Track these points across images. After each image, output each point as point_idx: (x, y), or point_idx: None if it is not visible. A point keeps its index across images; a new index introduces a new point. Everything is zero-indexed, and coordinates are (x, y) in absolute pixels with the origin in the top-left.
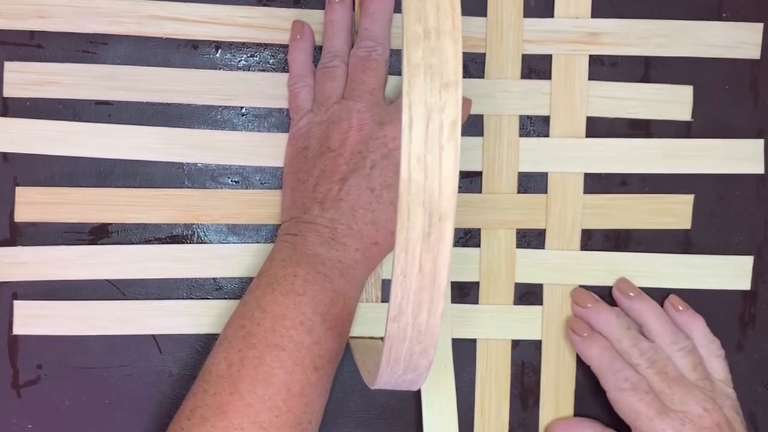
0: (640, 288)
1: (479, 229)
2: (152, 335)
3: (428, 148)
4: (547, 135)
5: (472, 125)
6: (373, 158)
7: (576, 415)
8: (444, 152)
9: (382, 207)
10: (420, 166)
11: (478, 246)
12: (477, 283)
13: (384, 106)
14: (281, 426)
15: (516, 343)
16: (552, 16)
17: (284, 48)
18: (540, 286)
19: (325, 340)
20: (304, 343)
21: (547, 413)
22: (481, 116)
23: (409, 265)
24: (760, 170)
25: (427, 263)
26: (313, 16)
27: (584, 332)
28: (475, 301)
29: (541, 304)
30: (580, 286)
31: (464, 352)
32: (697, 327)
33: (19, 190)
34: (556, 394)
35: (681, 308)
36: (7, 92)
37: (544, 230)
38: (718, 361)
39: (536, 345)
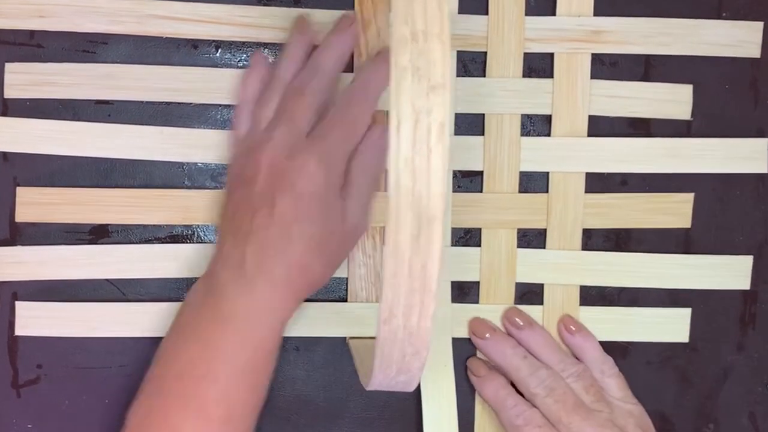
0: (637, 288)
1: (479, 229)
2: (152, 335)
3: (416, 151)
4: (548, 134)
5: (473, 124)
6: (282, 192)
7: None
8: (432, 155)
9: (292, 241)
10: (408, 168)
11: (479, 246)
12: (477, 283)
13: (303, 139)
14: None
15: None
16: (554, 14)
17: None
18: (540, 286)
19: (236, 391)
20: (210, 395)
21: None
22: (482, 115)
23: (398, 267)
24: (764, 169)
25: (416, 266)
26: (312, 15)
27: (481, 372)
28: (476, 301)
29: (542, 304)
30: (581, 286)
31: (465, 351)
32: (589, 348)
33: (19, 190)
34: None
35: (573, 328)
36: (8, 93)
37: (545, 230)
38: (613, 380)
39: None
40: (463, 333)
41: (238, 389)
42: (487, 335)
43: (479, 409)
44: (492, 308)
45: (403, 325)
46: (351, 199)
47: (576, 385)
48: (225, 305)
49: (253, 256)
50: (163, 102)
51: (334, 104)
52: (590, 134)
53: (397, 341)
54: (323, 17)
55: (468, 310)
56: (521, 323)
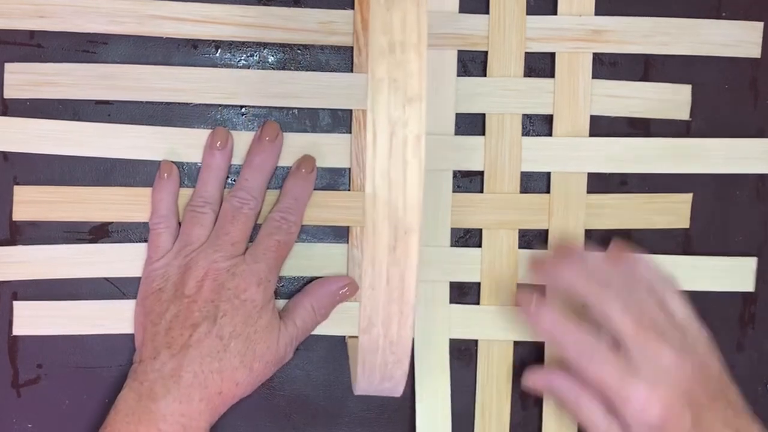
0: None
1: (479, 229)
2: None
3: (392, 164)
4: (549, 134)
5: (474, 124)
6: (224, 308)
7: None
8: (408, 167)
9: (229, 356)
10: (384, 180)
11: (478, 246)
12: (477, 284)
13: (241, 258)
14: None
15: (517, 343)
16: (555, 13)
17: (284, 47)
18: (544, 288)
19: None
20: None
21: (548, 413)
22: (483, 115)
23: (376, 278)
24: (762, 170)
25: (394, 276)
26: (312, 15)
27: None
28: (476, 302)
29: None
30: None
31: (465, 352)
32: (643, 267)
33: (18, 189)
34: None
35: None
36: (8, 94)
37: (546, 230)
38: (675, 300)
39: (538, 345)
40: (464, 334)
41: None
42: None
43: (480, 410)
44: (493, 309)
45: (383, 334)
46: (289, 328)
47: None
48: (160, 410)
49: (190, 369)
50: (162, 102)
51: (266, 222)
52: (591, 134)
53: (378, 350)
54: (323, 17)
55: (467, 311)
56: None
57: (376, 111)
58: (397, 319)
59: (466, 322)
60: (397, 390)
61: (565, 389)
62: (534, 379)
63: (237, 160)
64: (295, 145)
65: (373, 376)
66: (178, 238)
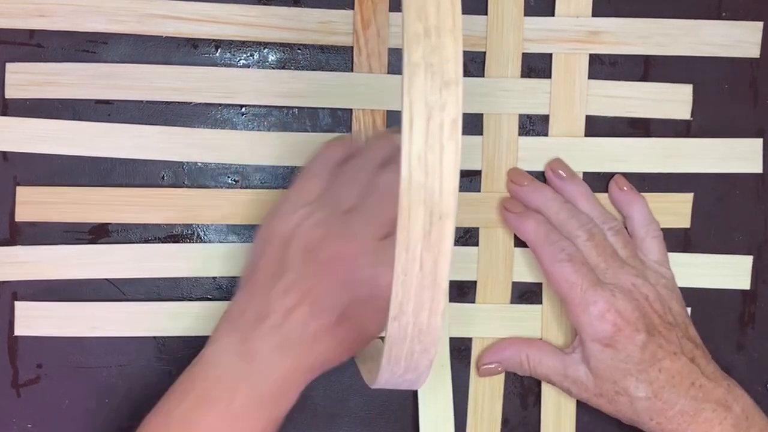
0: None
1: (479, 228)
2: (152, 335)
3: (429, 147)
4: (546, 134)
5: (472, 124)
6: None
7: (578, 414)
8: (445, 151)
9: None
10: (420, 165)
11: (478, 245)
12: (476, 282)
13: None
14: None
15: None
16: (552, 14)
17: (284, 47)
18: (540, 285)
19: (246, 420)
20: (225, 417)
21: (547, 412)
22: (481, 115)
23: (409, 264)
24: (759, 169)
25: (427, 262)
26: (312, 15)
27: (518, 209)
28: (474, 300)
29: (541, 304)
30: None
31: (465, 352)
32: (638, 206)
33: (19, 189)
34: (558, 392)
35: (625, 188)
36: (9, 93)
37: None
38: (654, 242)
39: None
40: (460, 333)
41: (248, 418)
42: (526, 183)
43: (472, 408)
44: (489, 308)
45: (412, 322)
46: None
47: (614, 238)
48: (260, 381)
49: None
50: (163, 101)
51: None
52: (590, 134)
53: (406, 338)
54: (323, 17)
55: (466, 310)
56: (564, 174)
57: (413, 95)
58: (428, 306)
59: (465, 321)
60: (419, 382)
61: (515, 352)
62: (485, 361)
63: (237, 159)
64: (295, 145)
65: (398, 367)
66: (326, 193)
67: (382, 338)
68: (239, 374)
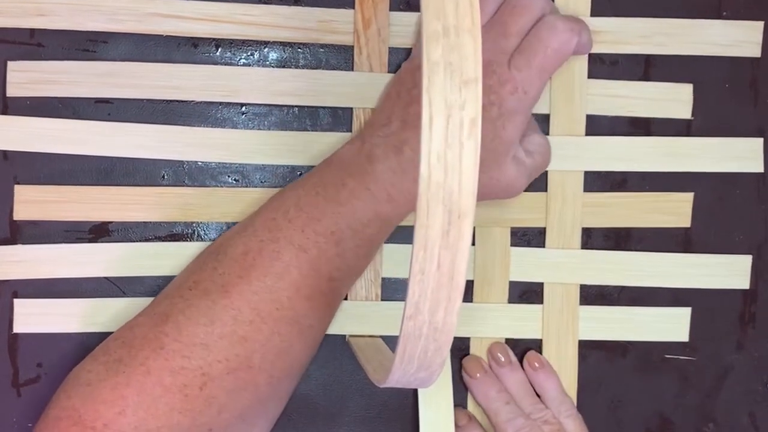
0: (637, 287)
1: (475, 228)
2: None
3: (448, 146)
4: (547, 133)
5: None
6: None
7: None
8: (464, 150)
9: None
10: (440, 163)
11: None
12: (472, 282)
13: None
14: (279, 319)
15: (516, 342)
16: None
17: (285, 46)
18: (540, 285)
19: (350, 255)
20: (329, 252)
21: None
22: None
23: (427, 263)
24: (760, 169)
25: (445, 261)
26: (312, 14)
27: (476, 374)
28: (470, 300)
29: (542, 303)
30: (581, 285)
31: (464, 352)
32: (550, 386)
33: (18, 188)
34: None
35: (537, 365)
36: (11, 92)
37: (545, 229)
38: (569, 421)
39: (537, 344)
40: (458, 332)
41: (351, 254)
42: (478, 375)
43: (471, 408)
44: (486, 307)
45: (428, 321)
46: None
47: (545, 428)
48: (374, 172)
49: (414, 147)
50: (163, 100)
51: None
52: (591, 133)
53: (421, 337)
54: (324, 16)
55: (464, 310)
56: (502, 359)
57: (432, 94)
58: (445, 305)
59: (464, 321)
60: (431, 380)
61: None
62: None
63: (237, 158)
64: (295, 144)
65: (411, 365)
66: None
67: (384, 337)
68: (359, 168)
